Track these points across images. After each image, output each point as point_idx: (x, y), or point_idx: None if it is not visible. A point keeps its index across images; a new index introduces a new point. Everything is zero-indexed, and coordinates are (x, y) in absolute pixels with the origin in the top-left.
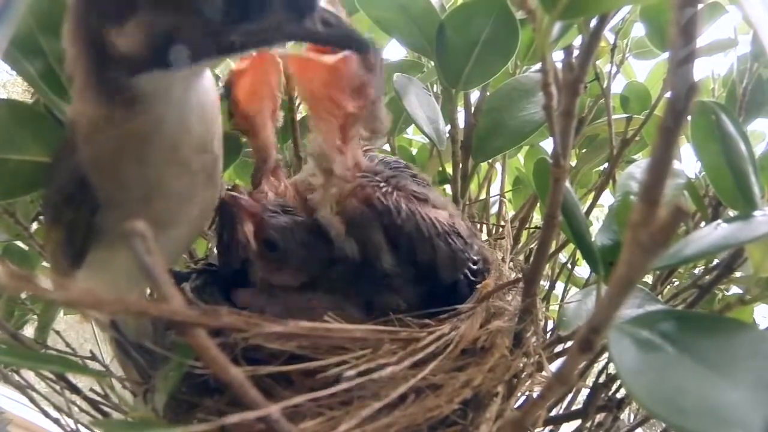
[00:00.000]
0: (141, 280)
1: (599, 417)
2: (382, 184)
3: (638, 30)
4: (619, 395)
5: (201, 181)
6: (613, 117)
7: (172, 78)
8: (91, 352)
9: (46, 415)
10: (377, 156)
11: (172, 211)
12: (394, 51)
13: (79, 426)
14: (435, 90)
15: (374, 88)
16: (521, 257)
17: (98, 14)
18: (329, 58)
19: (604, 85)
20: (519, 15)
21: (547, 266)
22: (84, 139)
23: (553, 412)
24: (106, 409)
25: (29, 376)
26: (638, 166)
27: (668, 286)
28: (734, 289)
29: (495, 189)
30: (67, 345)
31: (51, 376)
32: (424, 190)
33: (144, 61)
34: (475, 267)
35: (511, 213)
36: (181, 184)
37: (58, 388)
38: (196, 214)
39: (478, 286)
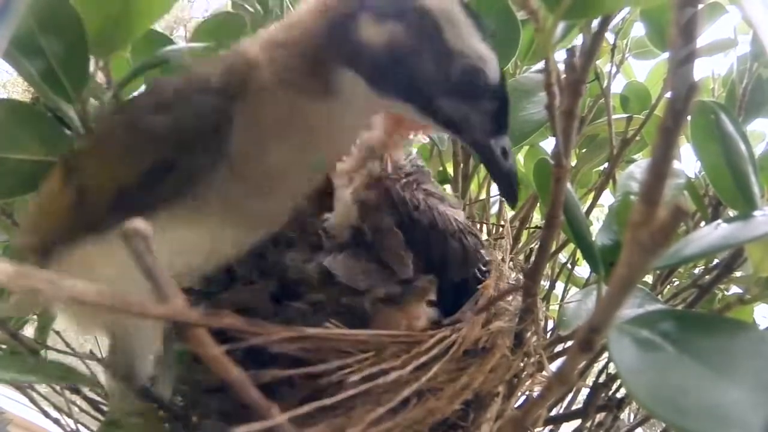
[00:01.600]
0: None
1: (599, 417)
2: (402, 179)
3: (638, 30)
4: (619, 395)
5: (304, 187)
6: (613, 117)
7: (365, 94)
8: (90, 351)
9: (46, 415)
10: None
11: (266, 210)
12: None
13: (79, 426)
14: None
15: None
16: (521, 257)
17: None
18: None
19: (604, 85)
20: (520, 15)
21: (547, 266)
22: (262, 93)
23: (553, 412)
24: (106, 409)
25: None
26: (638, 166)
27: (668, 286)
28: (734, 289)
29: (495, 189)
30: (67, 345)
31: None
32: (439, 190)
33: (374, 63)
34: (484, 268)
35: (510, 213)
36: (297, 176)
37: (58, 388)
38: (273, 224)
39: (479, 286)
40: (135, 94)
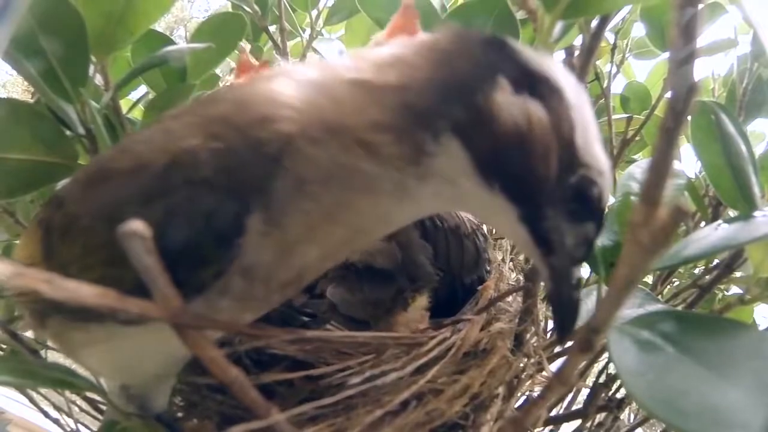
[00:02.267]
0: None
1: (599, 417)
2: None
3: (638, 30)
4: (619, 395)
5: (334, 260)
6: (613, 117)
7: (464, 174)
8: None
9: (46, 415)
10: None
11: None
12: None
13: (79, 426)
14: None
15: None
16: (521, 258)
17: (502, 60)
18: None
19: (604, 85)
20: (519, 15)
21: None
22: (302, 185)
23: (553, 412)
24: (105, 408)
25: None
26: (638, 166)
27: (668, 286)
28: (734, 289)
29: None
30: None
31: None
32: None
33: (493, 141)
34: (489, 268)
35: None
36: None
37: (58, 388)
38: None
39: (479, 287)
40: (108, 152)
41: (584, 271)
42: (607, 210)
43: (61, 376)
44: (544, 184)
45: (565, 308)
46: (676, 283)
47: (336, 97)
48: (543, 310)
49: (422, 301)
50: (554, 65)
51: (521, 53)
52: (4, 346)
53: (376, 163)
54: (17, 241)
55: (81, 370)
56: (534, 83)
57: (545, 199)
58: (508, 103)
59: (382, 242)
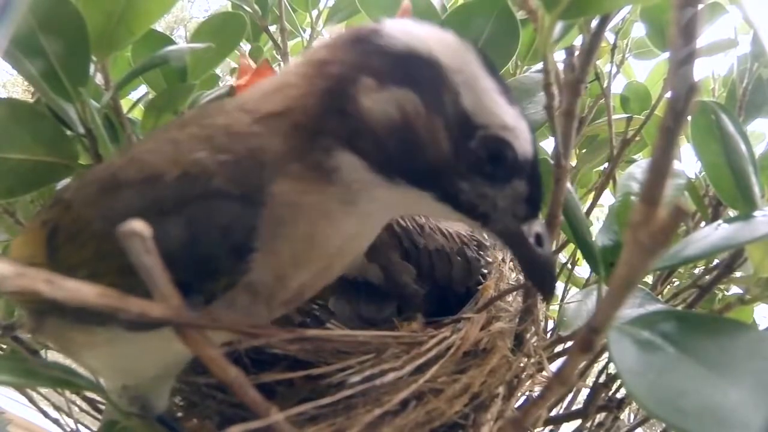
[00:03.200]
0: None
1: (599, 417)
2: None
3: (638, 30)
4: (619, 395)
5: (327, 278)
6: (613, 117)
7: (369, 181)
8: None
9: (46, 415)
10: None
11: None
12: None
13: (79, 426)
14: None
15: None
16: None
17: (365, 56)
18: None
19: (604, 85)
20: (520, 15)
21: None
22: (281, 208)
23: (553, 412)
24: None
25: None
26: (638, 166)
27: (668, 286)
28: (734, 289)
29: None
30: None
31: None
32: None
33: (376, 140)
34: (485, 271)
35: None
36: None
37: (57, 388)
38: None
39: (479, 287)
40: (114, 162)
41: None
42: (540, 163)
43: (62, 375)
44: (441, 161)
45: (534, 266)
46: (676, 283)
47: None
48: (543, 309)
49: (415, 325)
50: (428, 35)
51: (388, 38)
52: (4, 346)
53: (304, 191)
54: None
55: (81, 370)
56: (403, 67)
57: (453, 174)
58: (375, 101)
59: (369, 263)
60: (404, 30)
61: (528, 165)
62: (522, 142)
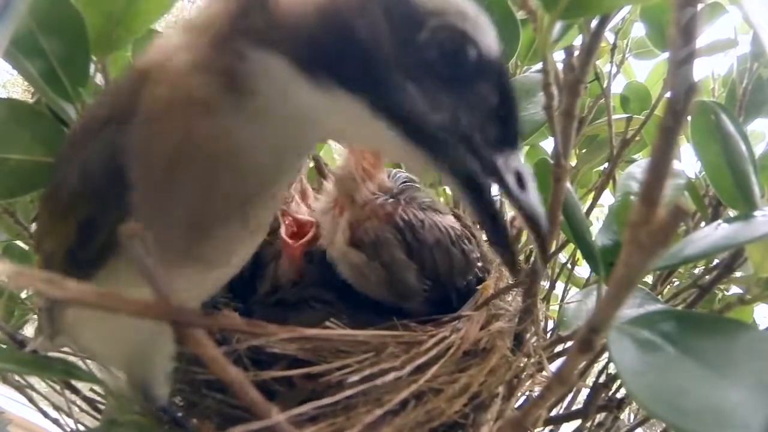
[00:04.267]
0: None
1: (599, 417)
2: (401, 200)
3: (638, 30)
4: (619, 395)
5: (252, 227)
6: (613, 117)
7: (292, 88)
8: None
9: (46, 415)
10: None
11: (215, 250)
12: None
13: (79, 426)
14: None
15: None
16: (521, 257)
17: None
18: None
19: (604, 85)
20: (520, 15)
21: (547, 266)
22: (151, 115)
23: (553, 412)
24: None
25: (29, 376)
26: (638, 166)
27: (668, 286)
28: (734, 289)
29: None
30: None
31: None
32: (427, 198)
33: (302, 37)
34: (480, 264)
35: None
36: (233, 220)
37: (57, 388)
38: (238, 259)
39: (478, 287)
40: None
41: (584, 271)
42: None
43: (63, 368)
44: (380, 57)
45: (522, 212)
46: (676, 283)
47: (177, 48)
48: (543, 310)
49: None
50: None
51: None
52: (4, 346)
53: (203, 108)
54: (17, 242)
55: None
56: None
57: (395, 73)
58: None
59: (369, 262)
60: None
61: (495, 67)
62: (485, 37)
